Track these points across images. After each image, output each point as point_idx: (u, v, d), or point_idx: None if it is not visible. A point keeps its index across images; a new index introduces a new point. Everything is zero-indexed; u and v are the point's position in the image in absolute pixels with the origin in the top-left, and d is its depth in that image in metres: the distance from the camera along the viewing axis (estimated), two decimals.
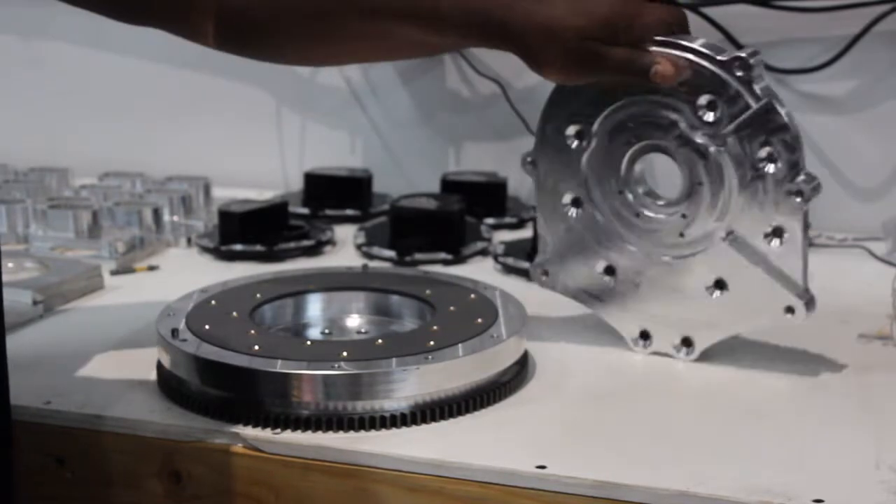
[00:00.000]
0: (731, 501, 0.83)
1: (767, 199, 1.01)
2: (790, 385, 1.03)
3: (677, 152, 1.03)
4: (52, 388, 1.01)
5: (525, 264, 1.24)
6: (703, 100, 1.00)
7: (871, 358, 1.08)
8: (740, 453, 0.90)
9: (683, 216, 1.05)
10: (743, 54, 0.99)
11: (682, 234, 1.05)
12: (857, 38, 1.42)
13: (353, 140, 1.69)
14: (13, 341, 1.12)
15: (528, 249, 1.31)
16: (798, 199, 0.99)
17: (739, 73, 0.99)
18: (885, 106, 1.46)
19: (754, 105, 0.99)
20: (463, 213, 1.42)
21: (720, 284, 1.04)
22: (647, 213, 1.06)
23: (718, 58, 0.99)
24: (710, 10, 1.44)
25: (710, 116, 1.01)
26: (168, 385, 0.99)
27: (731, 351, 1.07)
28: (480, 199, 1.51)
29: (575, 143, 1.07)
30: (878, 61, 1.45)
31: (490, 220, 1.50)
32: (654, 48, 0.99)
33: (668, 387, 1.03)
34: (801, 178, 0.99)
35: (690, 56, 1.00)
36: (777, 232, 1.01)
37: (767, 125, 0.99)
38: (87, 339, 1.12)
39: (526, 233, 1.43)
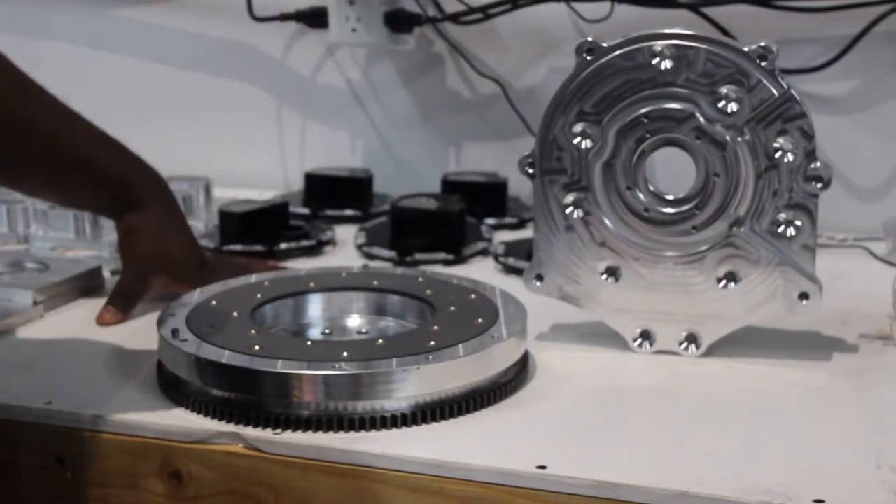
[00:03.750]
0: (731, 501, 0.83)
1: (781, 187, 1.03)
2: (790, 385, 1.03)
3: (693, 145, 1.04)
4: (52, 388, 1.01)
5: (526, 264, 1.24)
6: (725, 89, 1.02)
7: (871, 358, 1.08)
8: (740, 453, 0.90)
9: (696, 210, 1.05)
10: (764, 44, 1.01)
11: (694, 228, 1.06)
12: (857, 38, 1.42)
13: (354, 140, 1.69)
14: (13, 341, 1.12)
15: (529, 250, 1.31)
16: (819, 185, 1.02)
17: (762, 63, 1.01)
18: (885, 106, 1.46)
19: (776, 93, 1.01)
20: (463, 213, 1.41)
21: (731, 276, 1.05)
22: (656, 209, 1.07)
23: (742, 48, 1.02)
24: (710, 10, 1.44)
25: (731, 107, 1.02)
26: (168, 385, 1.00)
27: (730, 352, 1.08)
28: (481, 199, 1.51)
29: (580, 142, 1.07)
30: (878, 61, 1.45)
31: (490, 221, 1.50)
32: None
33: (668, 387, 1.03)
34: (819, 164, 1.02)
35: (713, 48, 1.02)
36: (791, 220, 1.03)
37: (786, 113, 1.02)
38: (88, 339, 1.12)
39: (526, 233, 1.43)
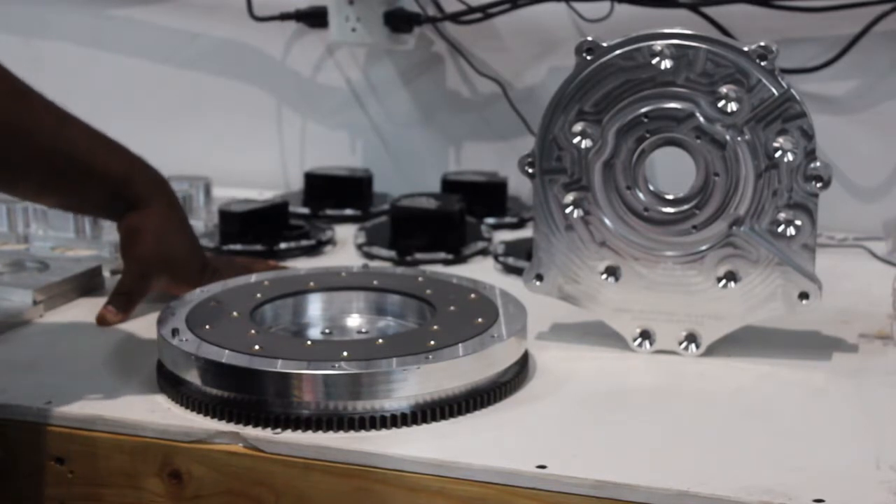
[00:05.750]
0: (731, 501, 0.83)
1: (781, 187, 1.03)
2: (790, 385, 1.03)
3: (693, 144, 1.04)
4: (52, 388, 1.01)
5: (526, 264, 1.24)
6: (725, 89, 1.02)
7: (871, 358, 1.08)
8: (740, 453, 0.90)
9: (696, 210, 1.05)
10: (764, 43, 1.02)
11: (694, 228, 1.06)
12: (857, 38, 1.42)
13: (354, 140, 1.69)
14: (13, 341, 1.12)
15: (529, 249, 1.31)
16: (819, 185, 1.02)
17: (762, 63, 1.01)
18: (885, 106, 1.46)
19: (776, 92, 1.01)
20: (463, 212, 1.42)
21: (731, 276, 1.05)
22: (656, 208, 1.07)
23: (741, 48, 1.02)
24: (710, 10, 1.44)
25: (731, 107, 1.02)
26: (168, 385, 0.99)
27: (730, 352, 1.08)
28: (481, 198, 1.51)
29: (579, 142, 1.07)
30: (878, 61, 1.44)
31: (490, 220, 1.50)
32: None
33: (668, 387, 1.03)
34: (819, 163, 1.02)
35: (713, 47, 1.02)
36: (791, 219, 1.04)
37: (786, 112, 1.02)
38: (87, 339, 1.12)
39: (526, 233, 1.43)
